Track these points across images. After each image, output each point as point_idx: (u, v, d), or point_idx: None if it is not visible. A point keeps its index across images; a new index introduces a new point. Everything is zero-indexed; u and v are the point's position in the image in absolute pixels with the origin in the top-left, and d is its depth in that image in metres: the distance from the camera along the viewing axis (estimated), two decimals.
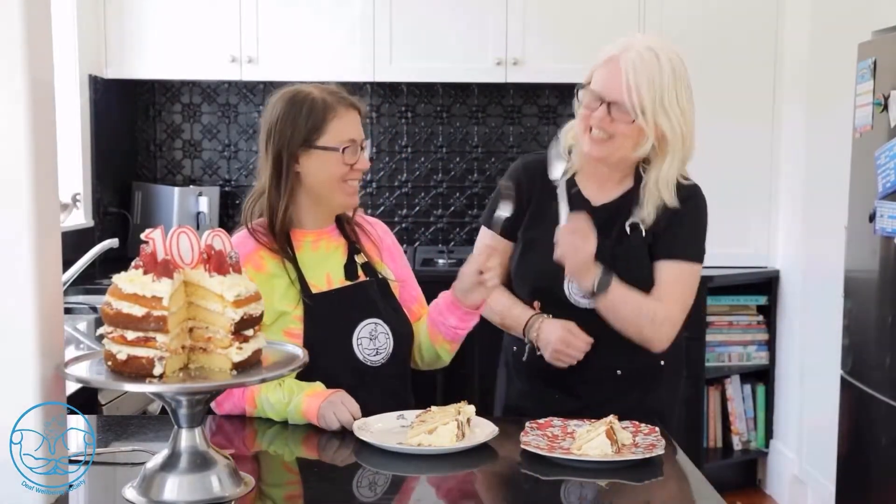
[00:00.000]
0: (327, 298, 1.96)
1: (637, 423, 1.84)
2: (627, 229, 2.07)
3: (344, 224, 2.07)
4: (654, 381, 2.14)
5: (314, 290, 1.96)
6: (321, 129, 1.93)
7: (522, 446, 1.71)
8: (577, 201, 2.09)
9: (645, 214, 2.05)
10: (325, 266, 2.00)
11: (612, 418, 1.79)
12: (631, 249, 2.06)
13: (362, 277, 2.03)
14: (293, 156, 1.94)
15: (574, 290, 2.05)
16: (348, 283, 2.01)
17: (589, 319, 2.04)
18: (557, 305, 2.06)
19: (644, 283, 2.05)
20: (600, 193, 2.11)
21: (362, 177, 2.02)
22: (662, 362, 2.13)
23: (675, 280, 2.06)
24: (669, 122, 2.00)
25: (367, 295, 2.01)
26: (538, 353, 2.07)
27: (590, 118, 2.02)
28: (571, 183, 2.11)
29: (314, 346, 1.78)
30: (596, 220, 2.01)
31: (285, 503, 1.62)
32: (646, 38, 2.04)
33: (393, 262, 2.12)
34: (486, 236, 2.18)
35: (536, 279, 2.10)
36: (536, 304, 2.09)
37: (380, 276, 2.05)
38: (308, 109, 1.93)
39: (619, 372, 2.09)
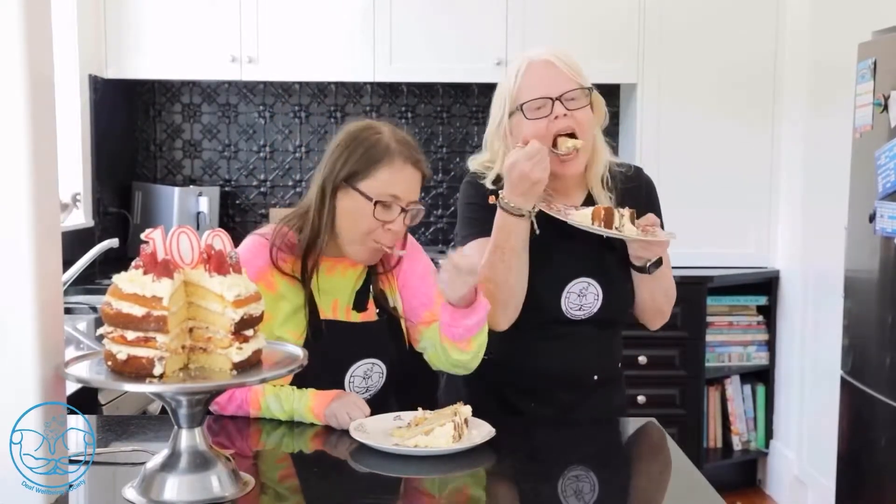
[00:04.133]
0: (329, 332, 1.90)
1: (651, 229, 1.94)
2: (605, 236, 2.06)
3: None
4: (613, 383, 2.17)
5: (321, 317, 1.90)
6: (367, 171, 1.85)
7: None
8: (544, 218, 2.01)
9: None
10: (335, 293, 1.94)
11: (627, 214, 1.91)
12: (617, 258, 2.06)
13: (370, 309, 1.97)
14: (335, 189, 1.88)
15: (570, 305, 2.03)
16: (355, 315, 1.94)
17: (584, 331, 2.06)
18: (554, 320, 2.05)
19: (631, 282, 2.08)
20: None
21: (393, 243, 1.89)
22: (619, 364, 2.20)
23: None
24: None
25: (371, 334, 1.95)
26: (486, 357, 1.99)
27: (551, 127, 1.96)
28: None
29: (305, 378, 1.75)
30: (569, 227, 1.98)
31: (282, 503, 1.62)
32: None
33: (407, 285, 2.03)
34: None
35: (532, 297, 2.03)
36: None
37: (391, 307, 1.99)
38: (365, 148, 1.86)
39: (595, 377, 2.10)
